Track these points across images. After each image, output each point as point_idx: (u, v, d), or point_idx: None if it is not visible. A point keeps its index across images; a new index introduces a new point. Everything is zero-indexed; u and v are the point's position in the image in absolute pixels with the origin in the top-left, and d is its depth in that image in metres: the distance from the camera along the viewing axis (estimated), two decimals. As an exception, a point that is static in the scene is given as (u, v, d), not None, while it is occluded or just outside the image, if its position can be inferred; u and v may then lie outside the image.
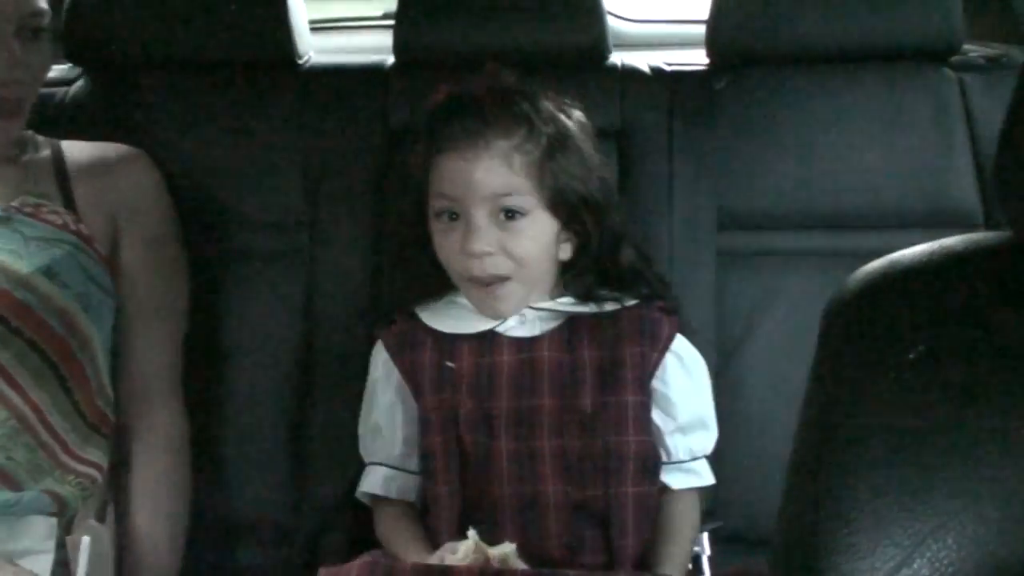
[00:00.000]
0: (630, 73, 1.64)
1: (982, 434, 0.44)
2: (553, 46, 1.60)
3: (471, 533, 1.18)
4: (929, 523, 0.41)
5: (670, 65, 1.68)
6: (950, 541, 0.41)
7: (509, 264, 1.29)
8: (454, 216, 1.29)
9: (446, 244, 1.30)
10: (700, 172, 1.57)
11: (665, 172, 1.56)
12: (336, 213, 1.57)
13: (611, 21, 1.68)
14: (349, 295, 1.55)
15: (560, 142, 1.30)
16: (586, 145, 1.33)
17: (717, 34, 1.61)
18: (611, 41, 1.64)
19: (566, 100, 1.35)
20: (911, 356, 0.44)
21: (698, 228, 1.55)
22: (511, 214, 1.28)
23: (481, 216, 1.27)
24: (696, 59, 1.69)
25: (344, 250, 1.57)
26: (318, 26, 2.18)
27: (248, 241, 1.59)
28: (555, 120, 1.31)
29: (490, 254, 1.28)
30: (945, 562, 0.41)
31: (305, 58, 1.67)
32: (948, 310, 0.46)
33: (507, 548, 1.17)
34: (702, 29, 1.65)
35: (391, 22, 1.68)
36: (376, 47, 1.81)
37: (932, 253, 0.49)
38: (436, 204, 1.30)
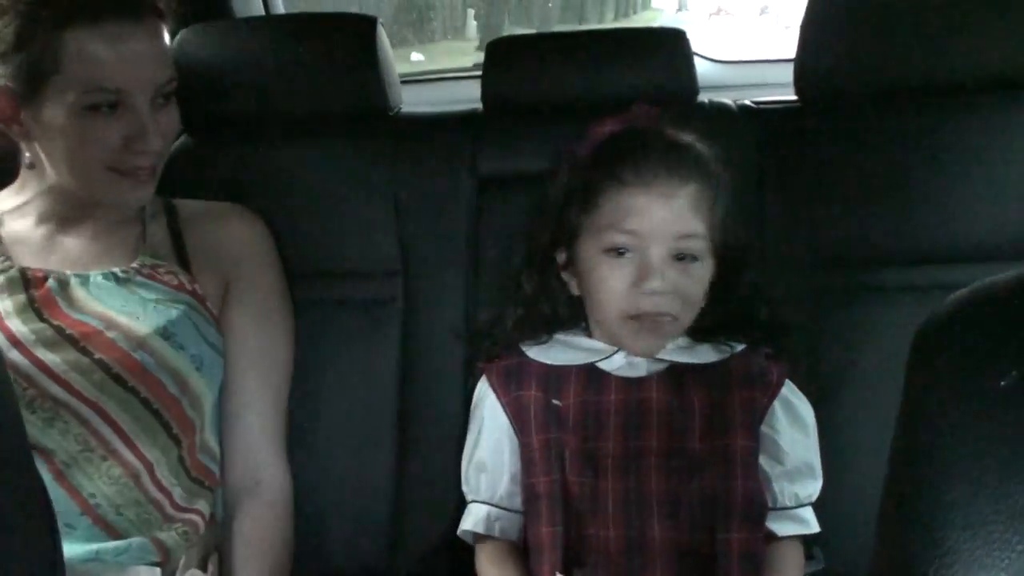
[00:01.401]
0: (718, 111, 1.63)
1: None
2: (641, 88, 1.60)
3: None
4: (1025, 554, 0.40)
5: (758, 103, 1.67)
6: (1049, 573, 0.40)
7: (677, 305, 1.29)
8: (622, 252, 1.29)
9: (612, 279, 1.29)
10: (793, 209, 1.55)
11: (756, 210, 1.54)
12: (429, 261, 1.59)
13: (698, 63, 1.67)
14: (444, 341, 1.56)
15: (724, 190, 1.32)
16: (730, 200, 1.34)
17: (804, 71, 1.60)
18: (699, 82, 1.64)
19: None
20: (1004, 383, 0.43)
21: (792, 266, 1.53)
22: (684, 256, 1.28)
23: (660, 255, 1.27)
24: (785, 98, 1.68)
25: (437, 296, 1.58)
26: (409, 79, 2.22)
27: (344, 291, 1.61)
28: (720, 170, 1.33)
29: (663, 293, 1.27)
30: (1044, 594, 0.40)
31: (396, 110, 1.70)
32: (1042, 334, 0.45)
33: None
34: (790, 69, 1.64)
35: (479, 73, 1.70)
36: (467, 99, 1.84)
37: (1019, 278, 0.48)
38: (612, 238, 1.29)
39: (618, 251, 1.28)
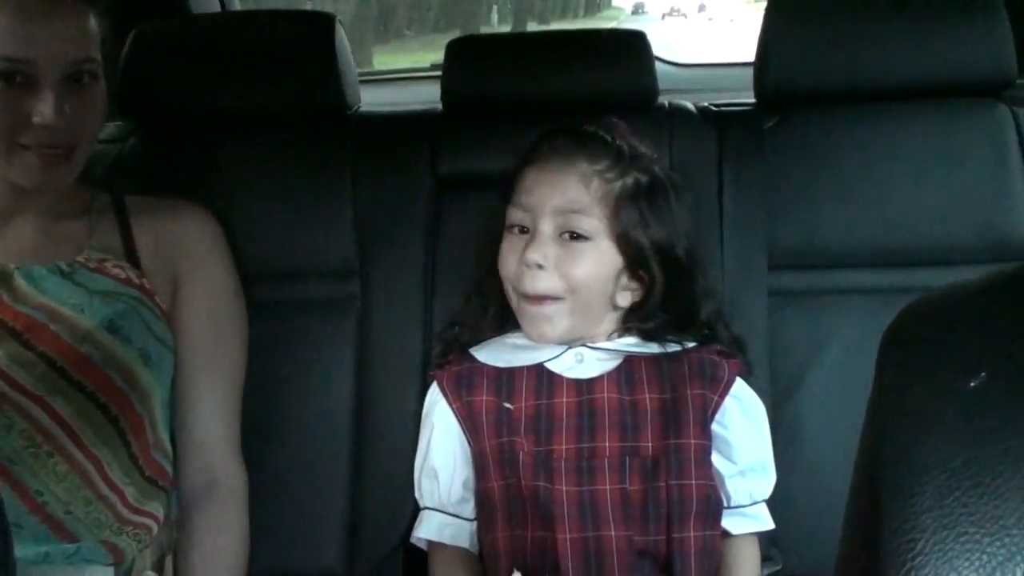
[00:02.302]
0: (678, 114, 1.64)
1: None
2: (601, 91, 1.61)
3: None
4: (997, 556, 0.40)
5: (718, 106, 1.68)
6: (1019, 573, 0.40)
7: (561, 285, 1.29)
8: (523, 230, 1.30)
9: (509, 256, 1.31)
10: (750, 212, 1.56)
11: (715, 212, 1.55)
12: (386, 261, 1.58)
13: (659, 66, 1.68)
14: (400, 342, 1.55)
15: (649, 189, 1.32)
16: (677, 206, 1.34)
17: (764, 74, 1.61)
18: (659, 85, 1.64)
19: (674, 171, 1.40)
20: (972, 384, 0.43)
21: (750, 268, 1.54)
22: (575, 235, 1.29)
23: (547, 229, 1.28)
24: (744, 100, 1.69)
25: (395, 297, 1.57)
26: (367, 79, 2.21)
27: (300, 291, 1.59)
28: (651, 170, 1.34)
29: (543, 268, 1.28)
30: (1015, 596, 0.40)
31: (354, 109, 1.69)
32: (1010, 335, 0.45)
33: None
34: (749, 72, 1.64)
35: (439, 73, 1.69)
36: (425, 100, 1.83)
37: (991, 280, 0.48)
38: (511, 216, 1.32)
39: (519, 229, 1.31)
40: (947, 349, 0.45)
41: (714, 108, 1.67)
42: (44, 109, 1.28)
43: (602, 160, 1.31)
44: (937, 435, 0.42)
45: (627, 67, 1.63)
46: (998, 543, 0.40)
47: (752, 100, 1.66)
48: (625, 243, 1.30)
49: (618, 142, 1.34)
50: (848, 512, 0.51)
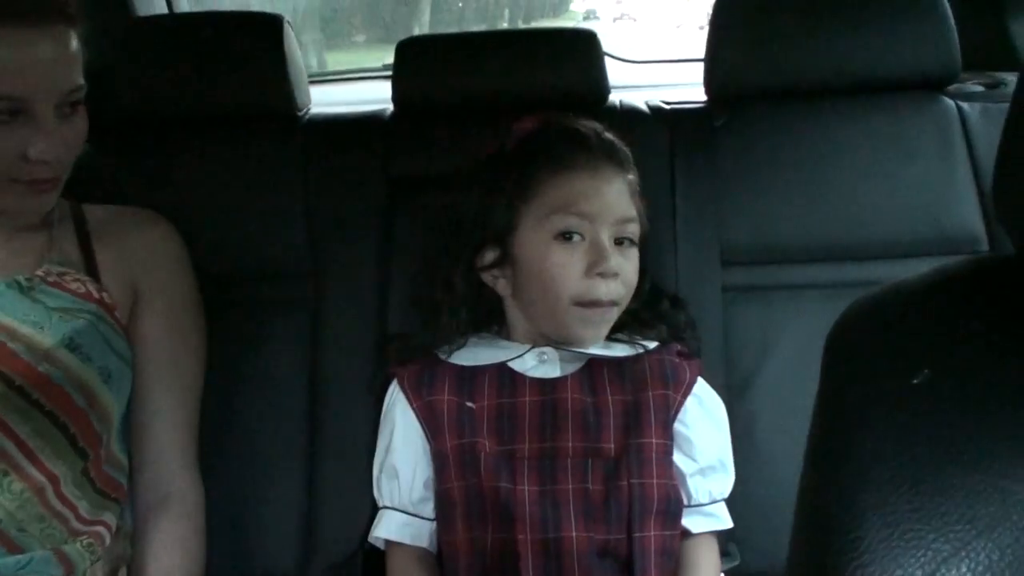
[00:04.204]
0: (630, 113, 1.64)
1: (994, 458, 0.43)
2: (552, 89, 1.61)
3: None
4: (942, 552, 0.40)
5: (669, 104, 1.68)
6: (964, 570, 0.40)
7: (623, 290, 1.30)
8: (569, 237, 1.29)
9: (567, 264, 1.28)
10: (703, 209, 1.57)
11: (668, 210, 1.56)
12: (339, 262, 1.57)
13: (609, 63, 1.68)
14: (354, 344, 1.54)
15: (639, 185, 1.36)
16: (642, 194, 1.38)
17: (714, 71, 1.62)
18: (610, 83, 1.65)
19: None
20: (915, 381, 0.44)
21: (703, 265, 1.55)
22: (623, 241, 1.31)
23: (607, 238, 1.29)
24: (695, 97, 1.69)
25: (348, 299, 1.56)
26: (317, 79, 2.19)
27: (252, 292, 1.58)
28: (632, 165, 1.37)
29: (616, 276, 1.28)
30: (960, 590, 0.40)
31: (304, 111, 1.68)
32: (951, 332, 0.46)
33: None
34: (699, 68, 1.65)
35: (390, 72, 1.68)
36: (376, 99, 1.82)
37: (932, 277, 0.48)
38: (564, 221, 1.29)
39: (568, 236, 1.28)
40: (888, 348, 0.46)
41: (666, 106, 1.68)
42: (41, 144, 1.25)
43: (628, 166, 1.34)
44: (879, 433, 0.43)
45: (578, 66, 1.63)
46: (942, 539, 0.40)
47: (703, 98, 1.67)
48: (643, 244, 1.34)
49: (618, 140, 1.36)
50: (798, 510, 0.51)
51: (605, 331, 1.33)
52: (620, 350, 1.34)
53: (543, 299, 1.31)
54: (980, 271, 0.49)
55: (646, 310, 1.39)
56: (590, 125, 1.36)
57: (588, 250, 1.28)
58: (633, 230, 1.32)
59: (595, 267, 1.27)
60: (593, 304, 1.28)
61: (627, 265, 1.30)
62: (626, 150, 1.36)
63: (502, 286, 1.35)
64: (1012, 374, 0.43)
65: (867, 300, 0.49)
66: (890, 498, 0.42)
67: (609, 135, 1.36)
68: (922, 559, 0.41)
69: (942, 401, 0.44)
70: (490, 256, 1.34)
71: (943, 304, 0.48)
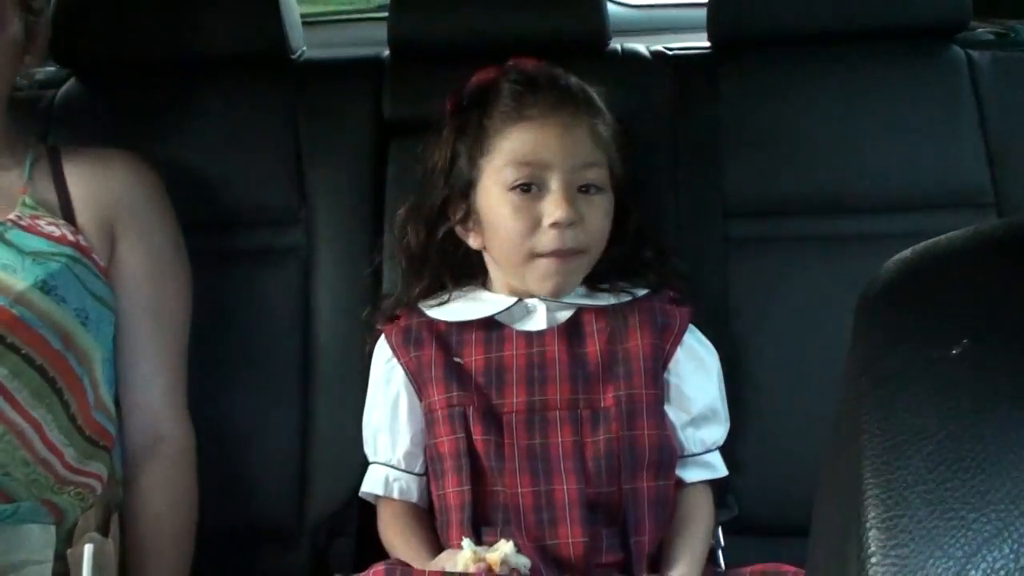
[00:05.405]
0: (631, 59, 1.61)
1: None
2: (551, 34, 1.57)
3: (466, 543, 1.16)
4: (984, 532, 0.39)
5: (671, 50, 1.65)
6: (1007, 550, 0.38)
7: (585, 238, 1.28)
8: (527, 188, 1.27)
9: (518, 217, 1.27)
10: (704, 158, 1.54)
11: (669, 159, 1.53)
12: (331, 208, 1.55)
13: (610, 7, 1.64)
14: (347, 292, 1.53)
15: (616, 129, 1.33)
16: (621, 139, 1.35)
17: (718, 17, 1.59)
18: (611, 27, 1.61)
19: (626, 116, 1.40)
20: (955, 351, 0.41)
21: (704, 216, 1.53)
22: (588, 188, 1.29)
23: (565, 186, 1.26)
24: (698, 44, 1.66)
25: (341, 246, 1.54)
26: (311, 20, 2.15)
27: (243, 240, 1.56)
28: (609, 113, 1.35)
29: (575, 224, 1.26)
30: (1001, 573, 0.38)
31: (298, 53, 1.64)
32: (992, 299, 0.43)
33: (504, 548, 1.14)
34: (703, 13, 1.61)
35: (385, 14, 1.65)
36: (370, 40, 1.79)
37: (970, 239, 0.46)
38: (515, 174, 1.27)
39: (522, 188, 1.27)
40: (929, 312, 0.43)
41: (668, 51, 1.64)
42: None
43: (596, 110, 1.32)
44: (920, 407, 0.41)
45: (578, 9, 1.60)
46: (984, 519, 0.38)
47: (707, 44, 1.64)
48: (617, 189, 1.32)
49: (582, 85, 1.33)
50: (824, 482, 0.49)
51: (575, 281, 1.31)
52: (605, 299, 1.33)
53: (506, 253, 1.30)
54: (1019, 233, 0.46)
55: (633, 259, 1.37)
56: (548, 71, 1.34)
57: (543, 200, 1.26)
58: (595, 176, 1.29)
59: (550, 217, 1.25)
60: (553, 255, 1.27)
61: (591, 211, 1.28)
62: (590, 93, 1.33)
63: (474, 240, 1.34)
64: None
65: (900, 262, 0.47)
66: (929, 477, 0.40)
67: (570, 80, 1.33)
68: (962, 540, 0.39)
69: (983, 373, 0.41)
70: (458, 213, 1.33)
71: (982, 268, 0.45)
